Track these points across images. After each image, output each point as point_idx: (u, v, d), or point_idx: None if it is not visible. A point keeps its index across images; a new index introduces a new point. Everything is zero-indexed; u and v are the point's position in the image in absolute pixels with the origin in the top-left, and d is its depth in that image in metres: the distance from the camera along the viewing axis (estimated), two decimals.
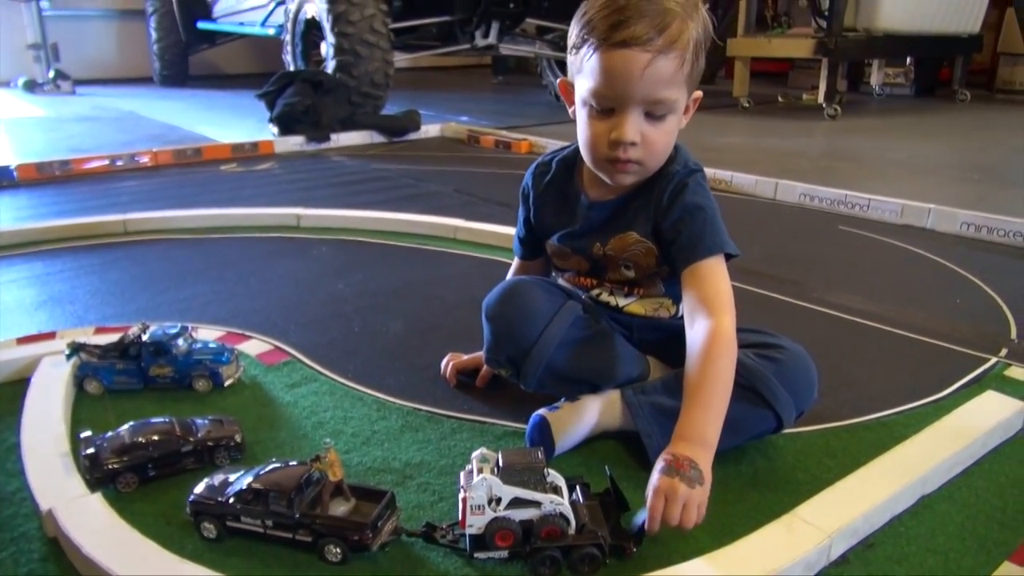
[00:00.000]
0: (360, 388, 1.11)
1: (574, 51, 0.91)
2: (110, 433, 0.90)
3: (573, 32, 0.91)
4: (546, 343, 0.94)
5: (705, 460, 0.80)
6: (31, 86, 5.40)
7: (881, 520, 0.81)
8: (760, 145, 3.36)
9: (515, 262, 1.18)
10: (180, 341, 1.11)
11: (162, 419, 0.92)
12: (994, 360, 1.21)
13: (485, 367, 1.09)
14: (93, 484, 0.85)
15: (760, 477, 0.90)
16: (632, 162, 0.92)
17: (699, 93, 0.96)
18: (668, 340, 1.02)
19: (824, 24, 4.09)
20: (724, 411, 0.84)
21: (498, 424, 1.01)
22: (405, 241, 1.83)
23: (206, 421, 0.94)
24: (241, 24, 5.11)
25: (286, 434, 0.99)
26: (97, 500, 0.80)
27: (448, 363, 1.15)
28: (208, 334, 1.24)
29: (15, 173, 2.53)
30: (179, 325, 1.14)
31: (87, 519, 0.77)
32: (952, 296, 1.53)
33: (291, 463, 0.81)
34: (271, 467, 0.80)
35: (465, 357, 1.14)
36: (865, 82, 5.46)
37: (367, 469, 0.91)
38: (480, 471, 0.76)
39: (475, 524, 0.74)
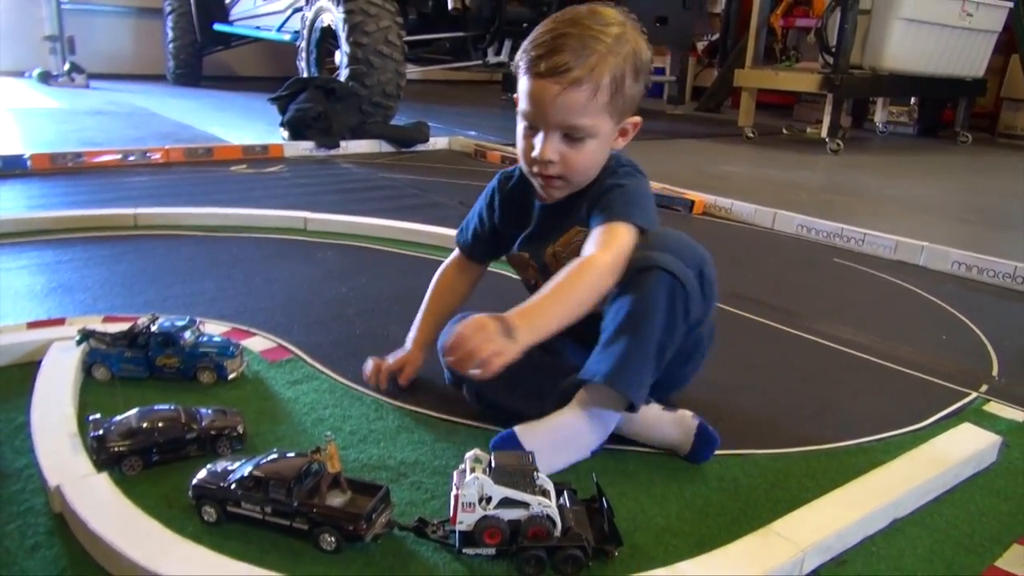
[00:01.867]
0: (359, 388, 1.14)
1: (514, 71, 1.01)
2: (118, 417, 0.93)
3: (517, 54, 1.00)
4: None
5: (526, 333, 0.86)
6: (46, 78, 5.45)
7: (854, 539, 0.84)
8: (762, 175, 3.41)
9: (441, 269, 1.22)
10: (187, 333, 1.14)
11: (168, 406, 0.96)
12: (974, 395, 1.25)
13: (407, 367, 1.16)
14: (99, 465, 0.88)
15: (741, 492, 0.93)
16: (555, 177, 1.01)
17: (638, 119, 1.05)
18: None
19: (831, 60, 4.16)
20: (566, 316, 0.91)
21: (492, 428, 1.04)
22: (408, 249, 1.87)
23: (210, 411, 0.97)
24: (257, 28, 5.17)
25: (286, 428, 1.03)
26: (103, 479, 0.83)
27: (375, 369, 1.16)
28: (214, 329, 1.27)
29: (29, 163, 2.57)
30: (188, 318, 1.17)
31: (93, 497, 0.80)
32: (939, 332, 1.57)
33: (290, 454, 0.84)
34: (272, 457, 0.84)
35: (391, 360, 1.17)
36: (869, 119, 5.54)
37: (363, 466, 0.94)
38: (473, 471, 0.79)
39: (465, 521, 0.77)
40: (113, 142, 3.13)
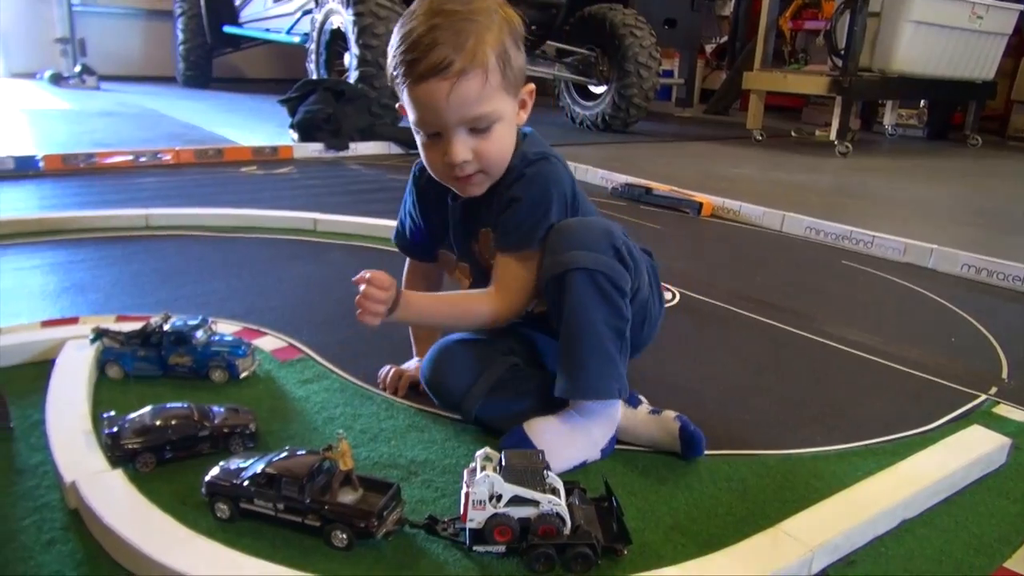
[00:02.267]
0: (369, 388, 1.15)
1: (392, 84, 0.95)
2: (132, 415, 0.94)
3: (389, 65, 0.94)
4: (466, 409, 1.02)
5: (402, 314, 0.95)
6: (57, 79, 5.49)
7: (863, 539, 0.84)
8: (770, 178, 3.41)
9: (405, 269, 1.22)
10: (200, 333, 1.15)
11: (181, 404, 0.97)
12: (983, 397, 1.25)
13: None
14: (114, 461, 0.89)
15: (749, 493, 0.93)
16: (473, 175, 0.96)
17: (531, 86, 1.00)
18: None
19: (840, 63, 4.16)
20: (439, 326, 1.09)
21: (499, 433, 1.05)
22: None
23: (222, 409, 0.98)
24: (267, 31, 5.20)
25: (297, 426, 1.03)
26: (118, 475, 0.84)
27: (391, 375, 1.16)
28: (225, 328, 1.28)
29: (41, 163, 2.60)
30: (200, 317, 1.18)
31: (108, 492, 0.81)
32: (948, 334, 1.57)
33: (302, 452, 0.85)
34: (284, 454, 0.85)
35: (411, 368, 1.16)
36: (878, 122, 5.53)
37: (374, 464, 0.95)
38: (483, 469, 0.80)
39: (476, 519, 0.78)
40: (124, 143, 3.16)
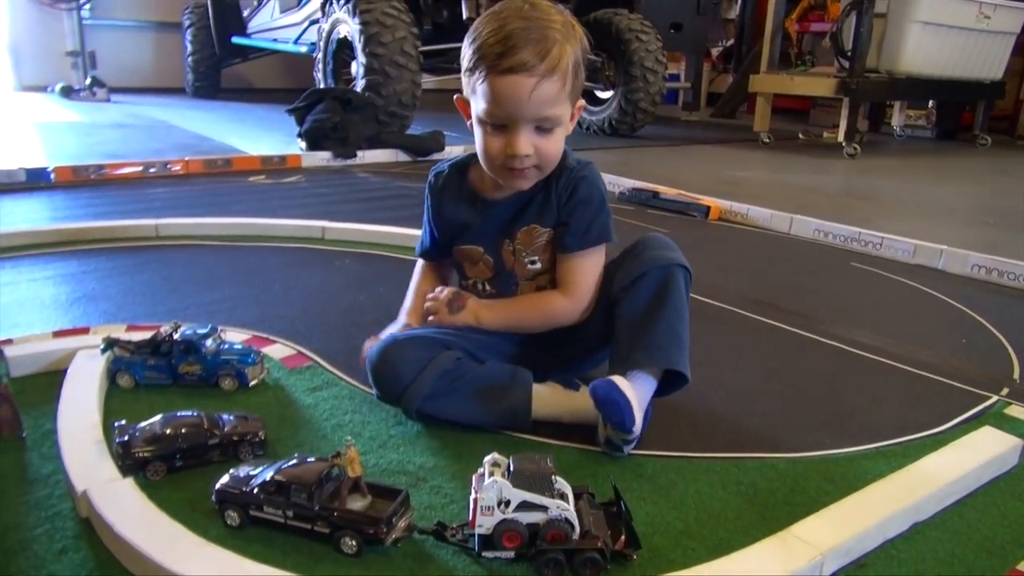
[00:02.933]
0: None
1: (468, 74, 1.01)
2: (142, 423, 0.95)
3: (466, 56, 1.01)
4: (410, 398, 1.04)
5: (474, 313, 1.11)
6: (68, 92, 5.54)
7: (874, 543, 0.84)
8: (778, 180, 3.40)
9: (419, 264, 1.27)
10: (209, 341, 1.16)
11: (191, 413, 0.97)
12: (995, 398, 1.24)
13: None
14: (124, 470, 0.89)
15: (760, 496, 0.93)
16: (528, 168, 1.04)
17: (582, 102, 1.08)
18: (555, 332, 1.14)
19: (847, 64, 4.15)
20: (506, 323, 1.12)
21: (511, 435, 1.05)
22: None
23: (232, 417, 0.99)
24: (275, 40, 5.23)
25: (306, 434, 1.04)
26: (129, 484, 0.84)
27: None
28: (235, 337, 1.29)
29: (52, 175, 2.62)
30: (209, 326, 1.19)
31: (119, 501, 0.81)
32: (958, 335, 1.56)
33: (311, 459, 0.86)
34: (293, 462, 0.85)
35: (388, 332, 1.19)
36: (887, 123, 5.51)
37: (383, 471, 0.95)
38: (492, 474, 0.80)
39: (484, 524, 0.78)
40: (134, 154, 3.18)
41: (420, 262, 1.27)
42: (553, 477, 0.80)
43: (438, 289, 1.18)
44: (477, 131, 1.05)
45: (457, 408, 1.04)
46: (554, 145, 1.03)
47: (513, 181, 1.06)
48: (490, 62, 0.96)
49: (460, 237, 1.16)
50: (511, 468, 0.80)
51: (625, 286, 1.06)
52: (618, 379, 0.99)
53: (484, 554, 0.79)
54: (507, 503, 0.78)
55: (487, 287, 1.17)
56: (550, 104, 0.99)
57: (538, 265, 1.13)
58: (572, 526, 0.78)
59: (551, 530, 0.77)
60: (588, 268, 1.10)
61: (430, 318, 1.13)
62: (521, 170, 1.04)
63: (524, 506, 0.78)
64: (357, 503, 0.81)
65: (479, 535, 0.78)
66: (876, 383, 1.31)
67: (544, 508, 0.78)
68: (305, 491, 0.80)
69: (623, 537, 0.81)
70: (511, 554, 0.78)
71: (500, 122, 1.00)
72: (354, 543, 0.79)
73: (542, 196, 1.10)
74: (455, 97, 1.08)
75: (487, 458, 0.83)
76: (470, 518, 0.80)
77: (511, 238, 1.12)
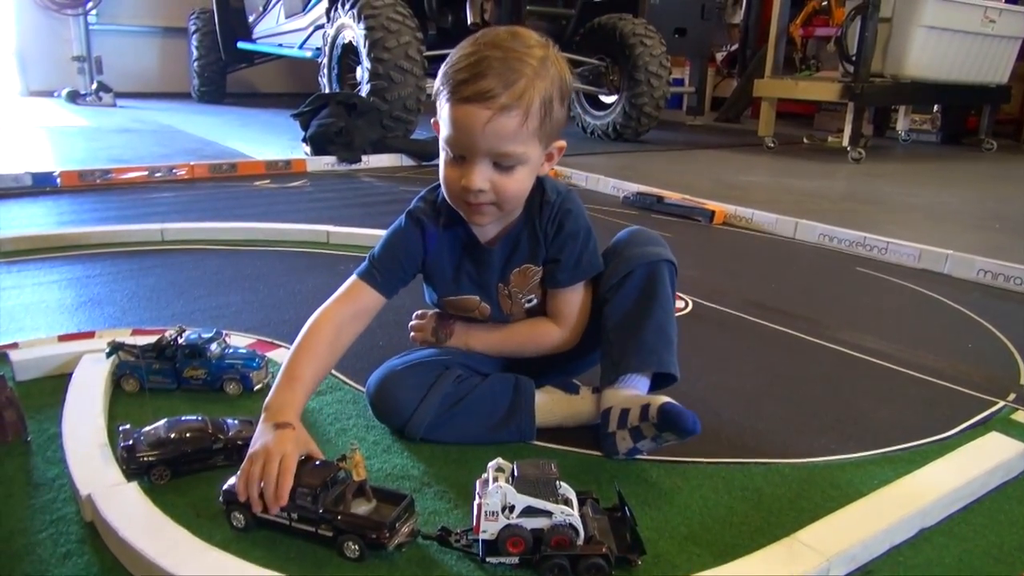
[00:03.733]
0: None
1: (436, 97, 0.97)
2: (147, 428, 0.95)
3: (437, 79, 0.96)
4: (413, 427, 1.02)
5: (463, 341, 1.12)
6: (74, 97, 5.57)
7: (880, 549, 0.83)
8: (783, 185, 3.40)
9: (358, 290, 1.05)
10: (214, 346, 1.16)
11: (195, 417, 0.97)
12: (1001, 404, 1.24)
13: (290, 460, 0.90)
14: (129, 474, 0.89)
15: (764, 502, 0.93)
16: (485, 204, 0.98)
17: (562, 143, 1.02)
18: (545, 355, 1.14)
19: (851, 69, 4.14)
20: (497, 351, 1.12)
21: (515, 441, 1.05)
22: None
23: (236, 422, 0.99)
24: (280, 46, 5.25)
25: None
26: (133, 488, 0.84)
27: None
28: (239, 341, 1.29)
29: (58, 180, 2.63)
30: (214, 330, 1.19)
31: (123, 505, 0.81)
32: (964, 340, 1.55)
33: (317, 462, 0.86)
34: (299, 464, 0.85)
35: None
36: (891, 127, 5.50)
37: (387, 476, 0.95)
38: (496, 480, 0.80)
39: (488, 530, 0.78)
40: (140, 159, 3.19)
41: (327, 314, 1.03)
42: (557, 482, 0.80)
43: (419, 313, 1.18)
44: (440, 157, 1.00)
45: (462, 433, 1.04)
46: (513, 184, 0.96)
47: (471, 216, 1.01)
48: (452, 87, 0.92)
49: (454, 287, 1.10)
50: (515, 473, 0.80)
51: (612, 285, 1.06)
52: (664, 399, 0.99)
53: (488, 559, 0.78)
54: (511, 508, 0.77)
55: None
56: (508, 140, 0.92)
57: (534, 303, 1.11)
58: (576, 531, 0.77)
59: (555, 535, 0.77)
60: (580, 299, 1.10)
61: (412, 334, 1.16)
62: (477, 205, 0.97)
63: (528, 511, 0.77)
64: (361, 507, 0.81)
65: (483, 540, 0.78)
66: (881, 388, 1.31)
67: (548, 513, 0.77)
68: (310, 494, 0.80)
69: (628, 542, 0.80)
70: (515, 559, 0.78)
71: (459, 152, 0.95)
72: (357, 547, 0.79)
73: (527, 233, 1.06)
74: (432, 120, 1.02)
75: (491, 463, 0.83)
76: (474, 523, 0.79)
77: (505, 282, 1.09)
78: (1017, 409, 1.22)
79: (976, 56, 4.37)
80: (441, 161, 0.99)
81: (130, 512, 0.80)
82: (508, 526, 0.77)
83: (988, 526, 0.90)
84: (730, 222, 2.55)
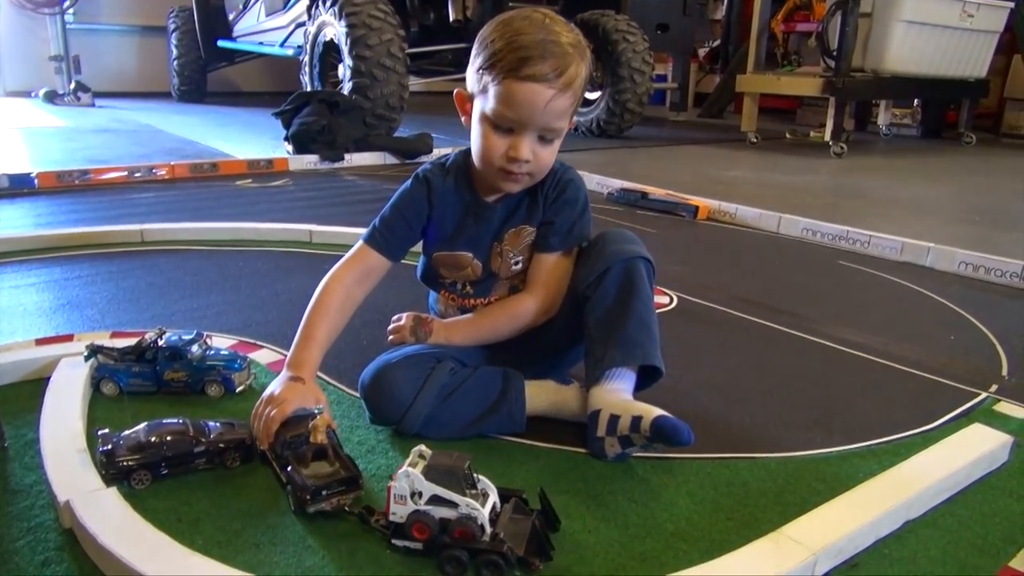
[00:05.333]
0: None
1: (480, 72, 1.01)
2: (126, 431, 0.93)
3: (481, 54, 1.01)
4: (410, 420, 1.03)
5: (443, 336, 1.14)
6: (52, 97, 5.51)
7: (866, 542, 0.83)
8: (766, 180, 3.41)
9: (365, 254, 1.14)
10: (195, 347, 1.14)
11: (176, 420, 0.96)
12: (984, 395, 1.25)
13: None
14: (108, 479, 0.88)
15: (751, 497, 0.93)
16: (523, 174, 1.05)
17: (575, 118, 1.13)
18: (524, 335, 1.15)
19: (832, 64, 4.17)
20: (476, 337, 1.14)
21: (500, 439, 1.05)
22: (413, 260, 1.86)
23: (218, 424, 0.97)
24: (261, 44, 5.21)
25: None
26: (112, 494, 0.83)
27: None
28: (221, 342, 1.28)
29: (36, 181, 2.59)
30: (195, 332, 1.18)
31: (102, 512, 0.80)
32: (947, 332, 1.56)
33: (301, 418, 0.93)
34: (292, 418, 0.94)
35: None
36: (872, 122, 5.54)
37: (370, 476, 0.94)
38: (415, 465, 0.80)
39: (398, 512, 0.79)
40: (119, 159, 3.16)
41: (337, 277, 1.12)
42: (475, 476, 0.81)
43: (395, 317, 1.21)
44: (479, 128, 1.04)
45: (455, 423, 1.04)
46: (550, 155, 1.05)
47: (504, 183, 1.07)
48: (511, 65, 0.97)
49: (450, 243, 1.14)
50: (429, 461, 0.81)
51: (591, 282, 1.07)
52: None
53: (394, 541, 0.79)
54: (419, 494, 0.78)
55: (467, 287, 1.16)
56: (559, 117, 1.01)
57: (520, 265, 1.14)
58: (481, 526, 0.77)
59: (459, 527, 0.77)
60: (562, 269, 1.13)
61: (391, 337, 1.19)
62: (517, 174, 1.04)
63: (436, 500, 0.78)
64: (314, 468, 0.87)
65: (392, 523, 0.79)
66: (865, 381, 1.31)
67: (454, 504, 0.78)
68: (281, 443, 0.91)
69: (535, 544, 0.79)
70: (419, 545, 0.78)
71: (508, 125, 1.01)
72: (290, 501, 0.86)
73: (529, 196, 1.12)
74: (455, 91, 1.08)
75: (415, 448, 0.83)
76: (385, 505, 0.80)
77: (500, 240, 1.13)
78: (999, 400, 1.23)
79: (955, 50, 4.40)
80: (480, 132, 1.04)
81: (109, 518, 0.79)
82: (416, 511, 0.78)
83: (973, 517, 0.90)
84: (714, 217, 2.56)
